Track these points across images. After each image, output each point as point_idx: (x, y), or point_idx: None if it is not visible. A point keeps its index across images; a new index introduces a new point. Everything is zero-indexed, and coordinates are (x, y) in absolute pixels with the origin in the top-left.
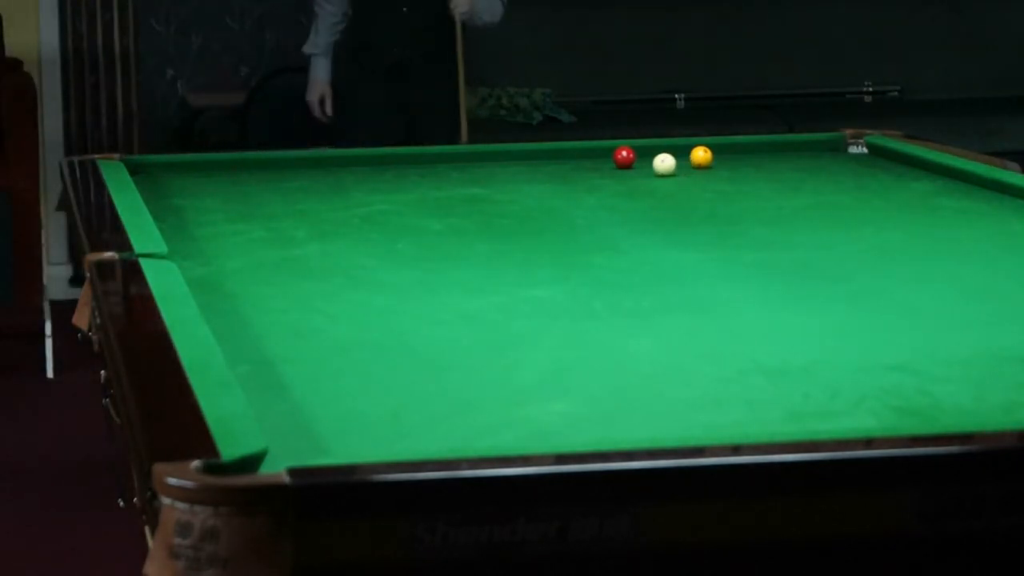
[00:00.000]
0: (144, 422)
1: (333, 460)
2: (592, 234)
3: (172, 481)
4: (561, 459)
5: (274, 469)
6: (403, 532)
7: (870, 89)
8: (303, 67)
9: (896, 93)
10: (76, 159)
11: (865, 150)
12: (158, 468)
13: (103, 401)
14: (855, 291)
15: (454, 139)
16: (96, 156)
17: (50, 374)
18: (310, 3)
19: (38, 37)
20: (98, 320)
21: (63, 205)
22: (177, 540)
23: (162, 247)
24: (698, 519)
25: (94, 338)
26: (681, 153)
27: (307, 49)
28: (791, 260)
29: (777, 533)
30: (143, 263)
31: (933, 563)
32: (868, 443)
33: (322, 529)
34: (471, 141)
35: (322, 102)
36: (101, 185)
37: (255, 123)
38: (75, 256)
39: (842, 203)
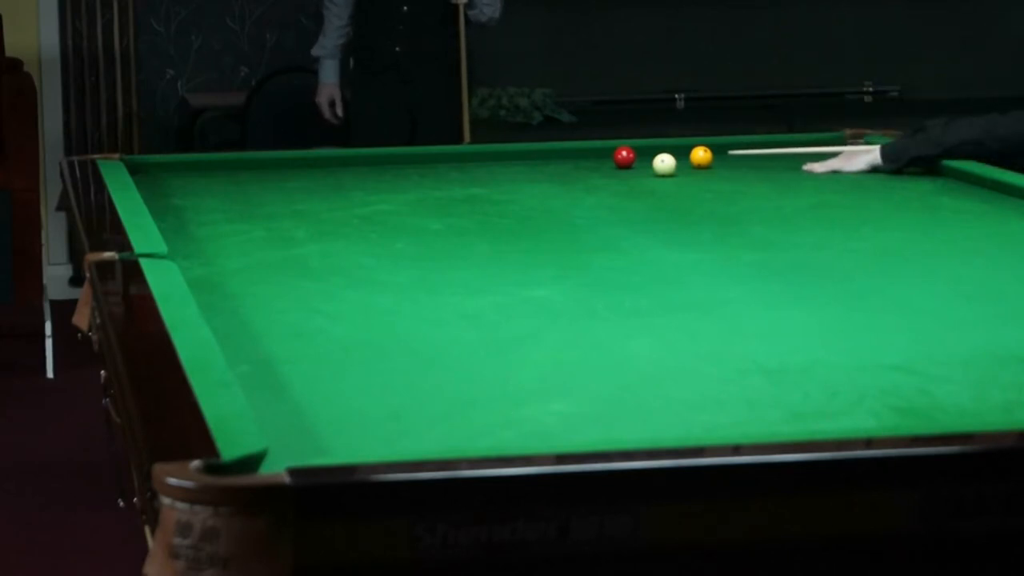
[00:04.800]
0: (144, 422)
1: (333, 460)
2: (592, 234)
3: (172, 481)
4: (561, 459)
5: (274, 469)
6: (403, 532)
7: (870, 89)
8: (303, 67)
9: (896, 93)
10: (76, 159)
11: None
12: (158, 468)
13: (103, 401)
14: (855, 291)
15: (455, 139)
16: (96, 156)
17: (50, 374)
18: (317, 5)
19: (38, 37)
20: (98, 320)
21: (63, 205)
22: (177, 540)
23: (162, 247)
24: (698, 519)
25: (94, 338)
26: (681, 153)
27: (315, 51)
28: (791, 260)
29: (777, 533)
30: (143, 263)
31: (933, 563)
32: (868, 443)
33: (322, 529)
34: (471, 141)
35: (332, 104)
36: (101, 185)
37: (255, 123)
38: (75, 256)
39: (842, 203)
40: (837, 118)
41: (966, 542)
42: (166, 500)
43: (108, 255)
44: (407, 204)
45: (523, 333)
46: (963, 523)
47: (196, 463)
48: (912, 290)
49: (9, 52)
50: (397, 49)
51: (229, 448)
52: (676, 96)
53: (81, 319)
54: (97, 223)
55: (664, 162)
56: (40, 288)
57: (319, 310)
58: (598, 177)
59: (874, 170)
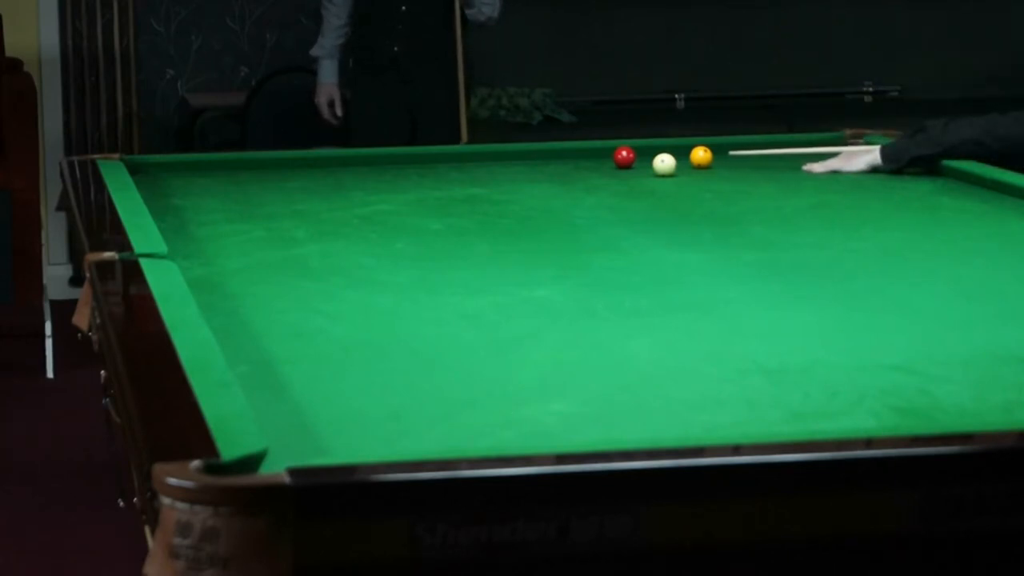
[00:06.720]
0: (144, 422)
1: (333, 460)
2: (592, 234)
3: (172, 481)
4: (561, 459)
5: (274, 469)
6: (403, 532)
7: (870, 89)
8: (303, 67)
9: (896, 93)
10: (76, 159)
11: None
12: (158, 468)
13: (103, 401)
14: (855, 291)
15: (454, 139)
16: (96, 156)
17: (50, 374)
18: (317, 5)
19: (38, 37)
20: (98, 320)
21: (63, 205)
22: (177, 540)
23: (162, 247)
24: (698, 519)
25: (94, 338)
26: (681, 153)
27: (314, 52)
28: (791, 260)
29: (777, 533)
30: (143, 263)
31: (933, 563)
32: (868, 443)
33: (322, 529)
34: (471, 141)
35: (331, 104)
36: (101, 185)
37: (255, 123)
38: (75, 256)
39: (842, 203)
40: (837, 118)
41: (966, 542)
42: (166, 500)
43: (108, 255)
44: (407, 204)
45: (523, 333)
46: (963, 523)
47: (196, 463)
48: (912, 290)
49: (9, 52)
50: (396, 49)
51: (229, 448)
52: (676, 96)
53: (81, 319)
54: (97, 223)
55: (664, 162)
56: (40, 288)
57: (319, 310)
58: (598, 177)
59: (874, 170)
